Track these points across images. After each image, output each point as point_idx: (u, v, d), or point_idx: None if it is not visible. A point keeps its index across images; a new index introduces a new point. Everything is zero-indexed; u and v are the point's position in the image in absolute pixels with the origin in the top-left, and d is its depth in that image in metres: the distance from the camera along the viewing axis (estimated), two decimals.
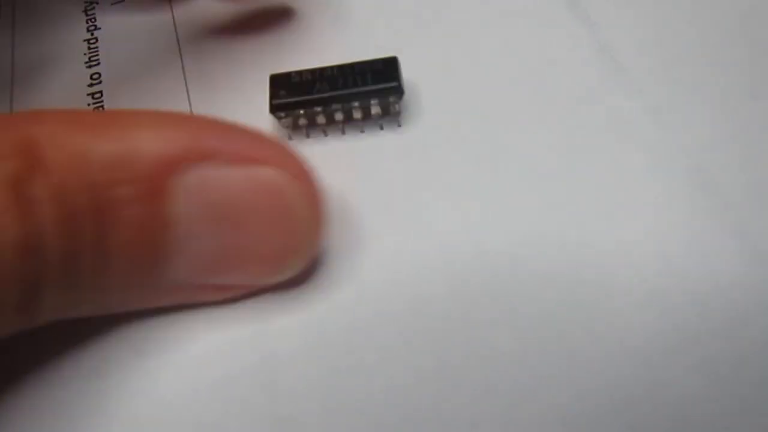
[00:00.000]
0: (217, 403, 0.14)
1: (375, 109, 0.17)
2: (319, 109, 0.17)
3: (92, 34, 0.22)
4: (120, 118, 0.12)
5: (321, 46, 0.19)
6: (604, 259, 0.15)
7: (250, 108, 0.18)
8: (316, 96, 0.16)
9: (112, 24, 0.22)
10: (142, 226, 0.11)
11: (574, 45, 0.19)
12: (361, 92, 0.16)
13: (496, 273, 0.15)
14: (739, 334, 0.14)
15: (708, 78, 0.18)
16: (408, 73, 0.17)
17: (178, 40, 0.21)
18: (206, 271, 0.13)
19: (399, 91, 0.16)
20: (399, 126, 0.18)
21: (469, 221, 0.16)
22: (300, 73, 0.17)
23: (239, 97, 0.19)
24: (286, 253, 0.14)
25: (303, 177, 0.13)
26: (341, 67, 0.17)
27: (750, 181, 0.16)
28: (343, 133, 0.17)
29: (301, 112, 0.17)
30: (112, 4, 0.23)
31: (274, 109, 0.17)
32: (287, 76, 0.17)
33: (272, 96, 0.17)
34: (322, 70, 0.17)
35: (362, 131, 0.18)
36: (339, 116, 0.17)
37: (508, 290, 0.15)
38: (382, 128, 0.18)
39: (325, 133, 0.17)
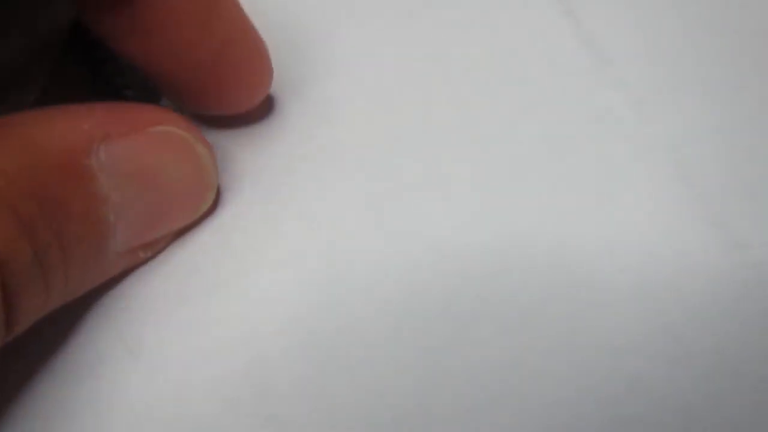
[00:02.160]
0: (207, 403, 0.15)
1: None
2: None
3: None
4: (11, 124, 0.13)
5: None
6: (586, 252, 0.15)
7: None
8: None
9: None
10: (83, 210, 0.13)
11: (557, 38, 0.19)
12: None
13: (477, 269, 0.15)
14: (719, 326, 0.14)
15: (692, 69, 0.18)
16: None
17: None
18: (141, 231, 0.15)
19: None
20: None
21: (450, 217, 0.16)
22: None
23: None
24: (201, 190, 0.15)
25: (189, 125, 0.15)
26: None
27: (732, 174, 0.16)
28: None
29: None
30: None
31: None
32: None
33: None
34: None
35: None
36: None
37: (490, 286, 0.15)
38: None
39: None
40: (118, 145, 0.13)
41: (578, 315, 0.15)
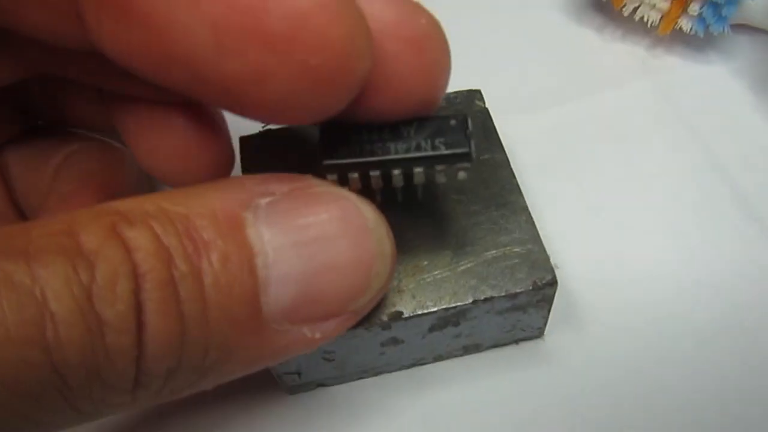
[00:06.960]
0: None
1: (440, 177, 0.14)
2: (376, 173, 0.14)
3: None
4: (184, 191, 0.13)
5: None
6: None
7: None
8: (375, 158, 0.14)
9: None
10: (231, 259, 0.12)
11: (717, 200, 0.21)
12: (425, 157, 0.14)
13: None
14: None
15: None
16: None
17: None
18: (299, 299, 0.13)
19: (468, 157, 0.14)
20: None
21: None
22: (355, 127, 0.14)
23: None
24: (368, 258, 0.13)
25: (365, 202, 0.14)
26: (397, 126, 0.14)
27: None
28: (400, 200, 0.15)
29: (355, 175, 0.14)
30: None
31: (325, 169, 0.14)
32: (341, 128, 0.14)
33: (323, 151, 0.14)
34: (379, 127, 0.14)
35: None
36: (398, 181, 0.14)
37: None
38: None
39: (376, 199, 0.15)
40: (281, 202, 0.13)
41: None
